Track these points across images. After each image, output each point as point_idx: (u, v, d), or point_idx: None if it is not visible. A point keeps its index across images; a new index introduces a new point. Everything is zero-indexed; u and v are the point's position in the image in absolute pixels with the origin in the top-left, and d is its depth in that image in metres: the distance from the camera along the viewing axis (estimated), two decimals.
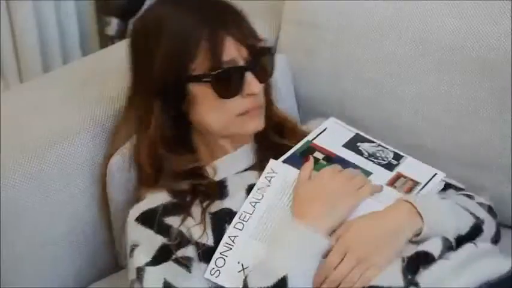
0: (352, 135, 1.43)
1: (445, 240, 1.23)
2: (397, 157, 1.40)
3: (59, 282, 1.52)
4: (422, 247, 1.22)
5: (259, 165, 1.37)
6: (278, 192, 1.32)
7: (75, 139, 1.48)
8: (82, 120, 1.51)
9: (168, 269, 1.26)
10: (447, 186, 1.40)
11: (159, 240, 1.29)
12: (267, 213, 1.30)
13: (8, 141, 1.45)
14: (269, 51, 1.37)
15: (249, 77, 1.31)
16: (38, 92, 1.61)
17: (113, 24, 2.64)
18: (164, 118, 1.34)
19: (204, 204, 1.33)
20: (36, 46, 2.48)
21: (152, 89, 1.33)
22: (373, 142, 1.42)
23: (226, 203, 1.33)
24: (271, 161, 1.35)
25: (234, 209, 1.31)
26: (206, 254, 1.28)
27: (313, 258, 1.21)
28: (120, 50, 1.80)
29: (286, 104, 1.64)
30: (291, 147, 1.39)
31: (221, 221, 1.30)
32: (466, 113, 1.55)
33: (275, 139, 1.43)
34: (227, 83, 1.30)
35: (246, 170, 1.39)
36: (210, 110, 1.33)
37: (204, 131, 1.37)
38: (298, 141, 1.40)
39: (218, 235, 1.29)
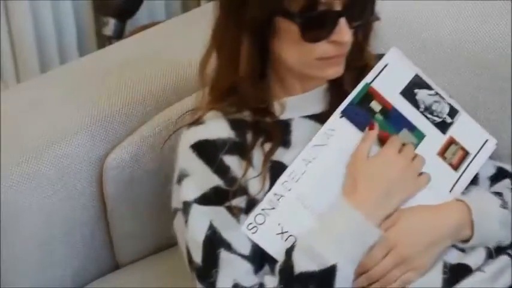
0: (411, 75, 1.33)
1: (488, 250, 1.21)
2: (452, 113, 1.33)
3: (57, 283, 1.51)
4: (466, 260, 1.19)
5: (328, 115, 1.27)
6: (334, 156, 1.24)
7: (72, 139, 1.48)
8: (80, 120, 1.51)
9: (217, 214, 1.20)
10: (504, 174, 1.34)
11: (215, 180, 1.21)
12: (320, 179, 1.22)
13: (6, 141, 1.45)
14: None
15: (342, 23, 1.17)
16: (36, 92, 1.61)
17: (111, 25, 2.64)
18: (251, 49, 1.22)
19: (266, 151, 1.23)
20: (34, 46, 2.48)
21: (244, 19, 1.20)
22: (431, 89, 1.33)
23: (288, 156, 1.24)
24: (334, 116, 1.26)
25: None
26: (253, 207, 1.22)
27: (364, 248, 1.16)
28: (118, 50, 1.81)
29: None
30: None
31: (279, 175, 1.22)
32: None
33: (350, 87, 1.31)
34: (317, 28, 1.17)
35: (314, 115, 1.29)
36: (292, 48, 1.20)
37: (281, 66, 1.26)
38: None
39: None
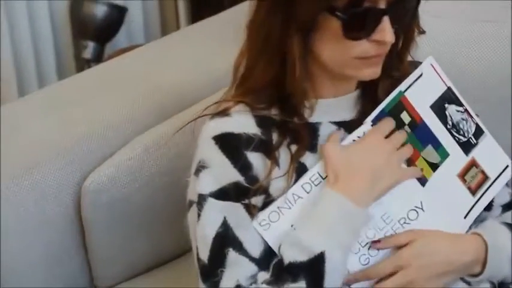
0: (444, 89, 1.29)
1: (492, 284, 1.21)
2: (478, 133, 1.29)
3: None
4: None
5: (357, 123, 1.23)
6: None
7: (51, 163, 1.47)
8: (58, 144, 1.50)
9: (233, 210, 1.15)
10: None
11: (236, 175, 1.16)
12: None
13: None
14: None
15: (386, 22, 1.12)
16: (14, 116, 1.60)
17: (89, 48, 2.64)
18: (299, 47, 1.17)
19: (293, 152, 1.19)
20: (12, 69, 2.47)
21: (291, 17, 1.15)
22: (461, 105, 1.29)
23: (313, 160, 1.19)
24: (365, 123, 1.22)
25: None
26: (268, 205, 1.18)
27: (353, 233, 1.13)
28: (97, 74, 1.81)
29: None
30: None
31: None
32: None
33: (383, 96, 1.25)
34: (360, 25, 1.13)
35: (343, 122, 1.24)
36: (332, 46, 1.15)
37: (315, 65, 1.20)
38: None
39: None
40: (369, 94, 1.25)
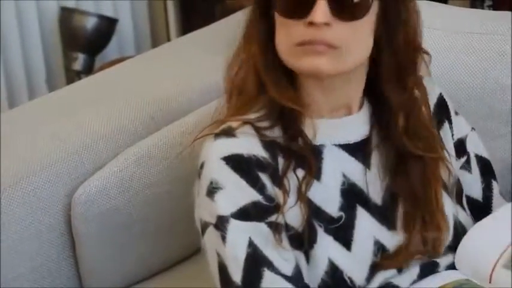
0: None
1: None
2: None
3: None
4: None
5: (363, 145, 1.20)
6: None
7: (41, 175, 1.47)
8: (48, 155, 1.50)
9: (257, 230, 1.12)
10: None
11: (253, 194, 1.13)
12: None
13: None
14: None
15: (320, 4, 1.10)
16: (4, 128, 1.59)
17: (80, 60, 2.64)
18: (262, 40, 1.19)
19: (300, 178, 1.16)
20: (2, 81, 2.47)
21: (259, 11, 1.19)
22: None
23: (319, 192, 1.17)
24: None
25: (324, 208, 1.17)
26: (295, 240, 1.14)
27: None
28: (87, 85, 1.81)
29: None
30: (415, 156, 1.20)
31: (312, 222, 1.16)
32: None
33: (395, 131, 1.20)
34: (294, 3, 1.12)
35: (347, 145, 1.21)
36: (280, 34, 1.15)
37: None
38: (430, 150, 1.22)
39: (310, 229, 1.15)
40: (377, 114, 1.22)
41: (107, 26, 2.70)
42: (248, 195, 1.13)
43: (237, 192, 1.14)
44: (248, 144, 1.17)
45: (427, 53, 1.23)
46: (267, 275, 1.10)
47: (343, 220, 1.17)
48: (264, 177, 1.15)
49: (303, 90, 1.19)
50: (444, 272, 1.22)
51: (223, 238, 1.12)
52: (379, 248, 1.19)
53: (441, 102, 1.32)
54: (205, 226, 1.16)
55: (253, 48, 1.20)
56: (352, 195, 1.19)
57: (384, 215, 1.20)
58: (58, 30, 2.68)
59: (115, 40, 2.78)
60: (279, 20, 1.15)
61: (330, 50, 1.12)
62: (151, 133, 1.58)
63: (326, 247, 1.16)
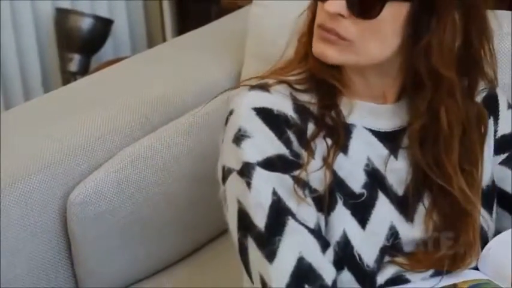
0: None
1: None
2: None
3: None
4: None
5: (395, 135, 1.19)
6: None
7: (36, 176, 1.47)
8: (44, 157, 1.50)
9: (282, 182, 1.12)
10: None
11: (280, 148, 1.14)
12: None
13: None
14: None
15: None
16: (0, 129, 1.59)
17: (75, 61, 2.64)
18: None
19: (330, 146, 1.16)
20: None
21: None
22: None
23: (345, 166, 1.17)
24: None
25: (347, 182, 1.17)
26: (317, 202, 1.14)
27: None
28: (83, 86, 1.81)
29: None
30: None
31: (334, 191, 1.16)
32: None
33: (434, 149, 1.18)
34: None
35: (378, 132, 1.21)
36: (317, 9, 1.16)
37: None
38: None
39: (330, 197, 1.15)
40: (413, 108, 1.19)
41: (103, 27, 2.69)
42: (275, 147, 1.13)
43: (264, 142, 1.13)
44: (280, 102, 1.17)
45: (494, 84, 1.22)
46: (291, 223, 1.10)
47: (364, 197, 1.18)
48: (292, 135, 1.15)
49: (344, 70, 1.19)
50: (464, 272, 1.22)
51: (248, 184, 1.12)
52: (393, 234, 1.18)
53: (489, 98, 1.30)
54: (228, 172, 1.15)
55: (308, 15, 1.21)
56: (374, 178, 1.19)
57: (403, 206, 1.20)
58: (53, 31, 2.67)
59: (110, 41, 2.78)
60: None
61: (341, 41, 1.12)
62: (146, 134, 1.58)
63: (342, 219, 1.16)
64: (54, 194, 1.48)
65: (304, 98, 1.18)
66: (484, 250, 1.24)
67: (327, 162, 1.15)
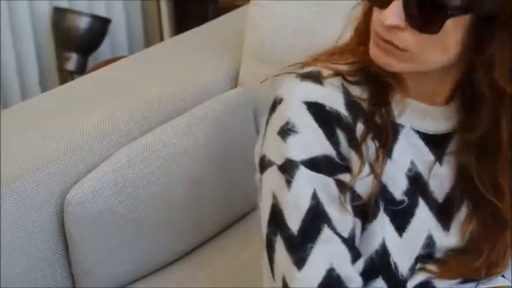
0: None
1: None
2: None
3: None
4: None
5: (441, 139, 1.15)
6: None
7: (33, 175, 1.47)
8: (41, 156, 1.49)
9: (324, 184, 1.08)
10: None
11: (328, 148, 1.09)
12: None
13: None
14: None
15: (393, 5, 1.03)
16: None
17: (73, 60, 2.64)
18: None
19: (377, 153, 1.12)
20: None
21: None
22: None
23: (386, 171, 1.12)
24: None
25: (389, 188, 1.13)
26: (357, 208, 1.10)
27: None
28: (81, 86, 1.81)
29: (246, 137, 1.64)
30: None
31: (377, 198, 1.12)
32: None
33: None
34: None
35: (424, 133, 1.16)
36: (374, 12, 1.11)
37: None
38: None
39: (375, 203, 1.11)
40: (465, 112, 1.14)
41: (100, 26, 2.69)
42: (322, 146, 1.09)
43: (312, 140, 1.08)
44: (333, 97, 1.11)
45: None
46: (326, 231, 1.07)
47: (404, 205, 1.14)
48: (341, 135, 1.10)
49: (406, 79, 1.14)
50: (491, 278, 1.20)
51: (289, 182, 1.08)
52: (430, 243, 1.16)
53: None
54: (268, 164, 1.10)
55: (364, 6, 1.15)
56: (416, 184, 1.16)
57: (442, 213, 1.17)
58: (51, 30, 2.67)
59: (108, 40, 2.77)
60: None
61: (398, 51, 1.07)
62: (144, 133, 1.58)
63: (383, 226, 1.13)
64: (52, 194, 1.48)
65: (356, 91, 1.13)
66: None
67: (375, 172, 1.11)
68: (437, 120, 1.16)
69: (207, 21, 2.05)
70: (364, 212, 1.11)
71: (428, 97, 1.15)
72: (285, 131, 1.09)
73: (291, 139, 1.09)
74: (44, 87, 2.65)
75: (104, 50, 2.78)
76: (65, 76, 2.66)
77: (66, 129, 1.55)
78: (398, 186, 1.14)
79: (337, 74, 1.13)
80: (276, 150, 1.10)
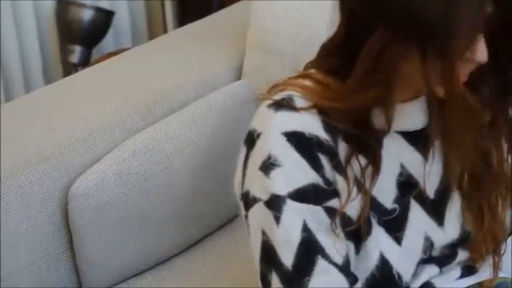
0: None
1: (463, 270, 1.19)
2: None
3: None
4: None
5: (424, 134, 1.14)
6: None
7: (37, 168, 1.47)
8: (45, 148, 1.49)
9: (313, 214, 1.06)
10: None
11: (313, 176, 1.07)
12: None
13: None
14: None
15: (482, 40, 1.03)
16: (1, 121, 1.59)
17: (76, 52, 2.63)
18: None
19: (363, 171, 1.10)
20: None
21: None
22: None
23: (375, 187, 1.11)
24: None
25: (379, 199, 1.12)
26: (350, 233, 1.10)
27: None
28: (84, 78, 1.81)
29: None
30: None
31: (368, 214, 1.11)
32: None
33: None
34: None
35: (408, 132, 1.15)
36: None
37: None
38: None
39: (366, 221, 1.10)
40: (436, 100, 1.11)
41: (104, 19, 2.68)
42: (307, 176, 1.07)
43: (296, 172, 1.07)
44: (310, 123, 1.09)
45: None
46: (321, 263, 1.06)
47: (396, 213, 1.13)
48: (324, 160, 1.08)
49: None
50: (487, 271, 1.20)
51: (277, 218, 1.06)
52: (429, 245, 1.16)
53: None
54: (253, 201, 1.09)
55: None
56: (407, 187, 1.15)
57: (435, 209, 1.17)
58: (54, 22, 2.67)
59: (112, 32, 2.77)
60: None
61: None
62: (148, 126, 1.58)
63: (378, 240, 1.12)
64: (56, 186, 1.48)
65: (332, 120, 1.10)
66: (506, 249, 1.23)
67: (365, 191, 1.10)
68: (417, 115, 1.15)
69: (210, 13, 2.05)
70: (357, 234, 1.11)
71: (406, 95, 1.13)
72: (267, 166, 1.08)
73: (274, 173, 1.07)
74: (48, 79, 2.65)
75: (108, 42, 2.77)
76: (69, 68, 2.65)
77: (70, 122, 1.55)
78: (387, 196, 1.14)
79: (312, 107, 1.10)
80: (260, 186, 1.09)
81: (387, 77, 1.04)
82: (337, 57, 1.11)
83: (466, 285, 1.18)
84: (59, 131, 1.53)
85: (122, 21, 2.82)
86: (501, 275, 1.21)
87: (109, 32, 2.72)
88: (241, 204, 1.13)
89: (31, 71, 2.61)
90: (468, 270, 1.20)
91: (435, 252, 1.17)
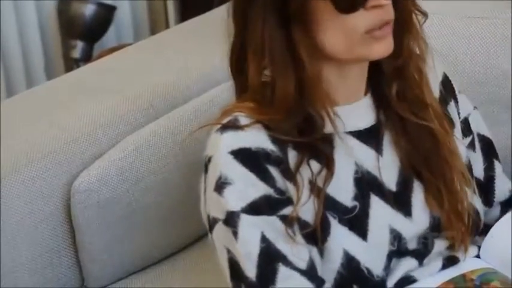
0: None
1: (444, 260, 1.20)
2: None
3: None
4: None
5: (374, 130, 1.18)
6: None
7: (40, 163, 1.47)
8: (48, 144, 1.49)
9: (269, 225, 1.10)
10: None
11: (264, 188, 1.11)
12: None
13: None
14: None
15: None
16: (2, 116, 1.59)
17: (78, 47, 2.63)
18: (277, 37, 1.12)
19: (316, 176, 1.12)
20: (0, 70, 2.46)
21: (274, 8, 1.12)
22: None
23: (330, 184, 1.13)
24: None
25: (338, 199, 1.14)
26: (308, 234, 1.12)
27: None
28: (86, 73, 1.81)
29: None
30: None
31: (325, 214, 1.13)
32: None
33: (400, 105, 1.18)
34: None
35: (357, 132, 1.18)
36: (331, 30, 1.10)
37: (326, 62, 1.13)
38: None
39: (323, 223, 1.12)
40: (382, 97, 1.19)
41: (106, 14, 2.68)
42: (258, 189, 1.11)
43: (246, 187, 1.11)
44: (256, 137, 1.13)
45: (422, 12, 1.18)
46: (282, 270, 1.09)
47: (357, 210, 1.15)
48: (274, 171, 1.12)
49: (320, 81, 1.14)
50: (468, 261, 1.21)
51: (235, 234, 1.10)
52: (396, 236, 1.17)
53: (446, 81, 1.30)
54: (213, 222, 1.13)
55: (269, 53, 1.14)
56: (365, 184, 1.17)
57: (399, 201, 1.18)
58: (56, 17, 2.67)
59: (113, 28, 2.77)
60: (329, 20, 1.09)
61: (390, 26, 1.11)
62: (150, 121, 1.58)
63: (340, 239, 1.14)
64: (58, 182, 1.48)
65: (278, 133, 1.13)
66: (486, 238, 1.24)
67: (316, 192, 1.12)
68: (363, 113, 1.18)
69: (212, 9, 2.04)
70: (316, 236, 1.13)
71: (353, 95, 1.18)
72: (220, 186, 1.11)
73: (227, 192, 1.11)
74: (49, 75, 2.65)
75: (110, 37, 2.78)
76: (71, 64, 2.66)
77: (72, 117, 1.55)
78: (346, 194, 1.16)
79: (261, 123, 1.13)
80: (216, 206, 1.12)
81: (283, 62, 1.11)
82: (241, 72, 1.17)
83: (449, 277, 1.19)
84: (61, 126, 1.53)
85: (123, 16, 2.82)
86: (484, 265, 1.22)
87: (111, 27, 2.73)
88: (208, 228, 1.17)
89: (33, 66, 2.61)
90: (450, 261, 1.21)
91: (411, 245, 1.18)
